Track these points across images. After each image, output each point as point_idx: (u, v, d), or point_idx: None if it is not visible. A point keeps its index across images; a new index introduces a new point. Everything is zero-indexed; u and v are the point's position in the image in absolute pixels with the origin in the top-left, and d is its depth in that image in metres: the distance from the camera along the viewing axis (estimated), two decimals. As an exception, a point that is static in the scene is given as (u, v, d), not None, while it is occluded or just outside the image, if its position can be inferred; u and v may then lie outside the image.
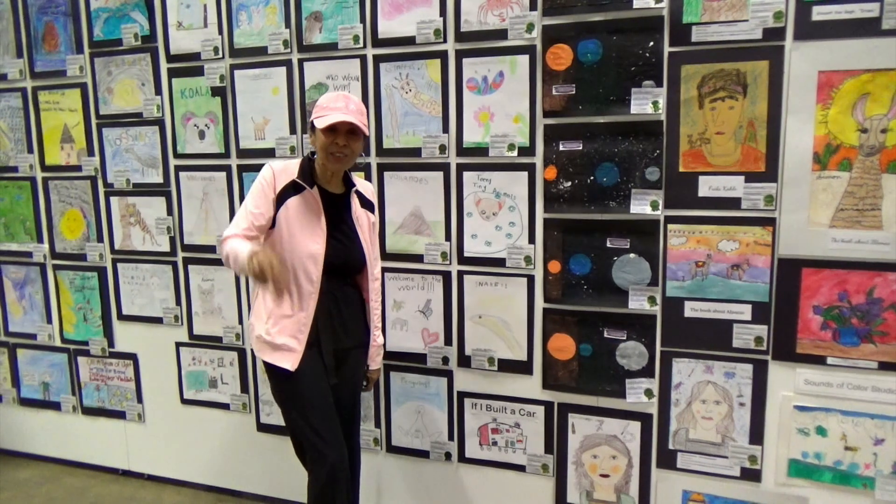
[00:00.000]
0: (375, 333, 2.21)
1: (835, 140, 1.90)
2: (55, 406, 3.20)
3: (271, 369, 2.02)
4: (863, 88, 1.86)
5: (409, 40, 2.32)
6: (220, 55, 2.59)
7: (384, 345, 2.33)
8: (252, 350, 2.48)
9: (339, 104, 1.93)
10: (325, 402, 2.01)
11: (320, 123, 1.91)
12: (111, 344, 3.04)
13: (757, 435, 2.10)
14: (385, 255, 2.47)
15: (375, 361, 2.26)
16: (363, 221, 2.10)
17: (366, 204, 2.13)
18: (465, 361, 2.43)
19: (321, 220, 1.98)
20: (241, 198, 2.65)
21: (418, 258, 2.42)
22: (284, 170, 2.00)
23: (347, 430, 2.15)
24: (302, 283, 1.97)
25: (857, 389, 1.97)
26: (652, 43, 2.04)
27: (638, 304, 2.16)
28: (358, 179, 2.16)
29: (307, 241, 1.96)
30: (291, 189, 1.97)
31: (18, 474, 3.19)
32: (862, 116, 1.87)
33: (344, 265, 2.05)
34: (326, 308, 2.01)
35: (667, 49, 2.03)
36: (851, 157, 1.89)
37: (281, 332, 1.98)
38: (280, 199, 1.97)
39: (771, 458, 2.09)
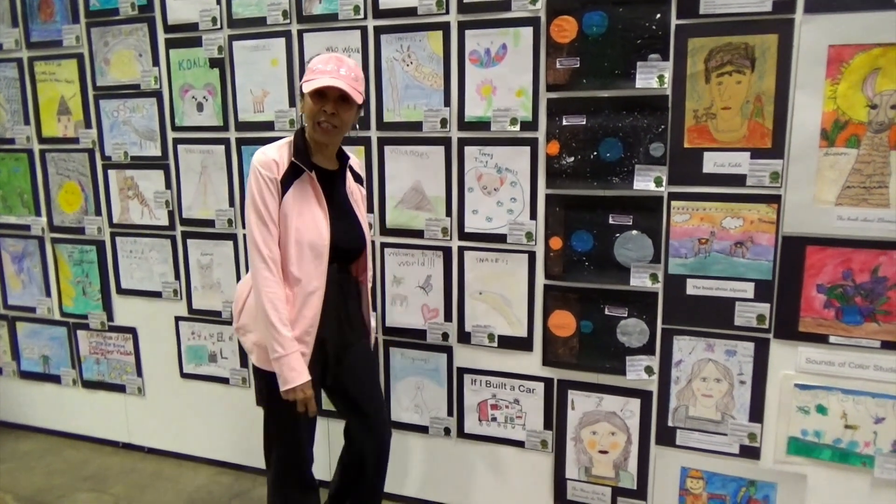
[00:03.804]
0: (371, 317, 2.10)
1: (843, 116, 1.87)
2: (55, 379, 3.21)
3: (271, 375, 1.82)
4: (874, 63, 1.82)
5: (411, 11, 2.27)
6: (219, 25, 2.54)
7: (374, 327, 2.23)
8: (245, 351, 2.12)
9: (329, 66, 1.76)
10: (313, 416, 1.91)
11: (307, 87, 1.75)
12: (110, 318, 3.03)
13: (757, 413, 2.09)
14: (385, 231, 2.45)
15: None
16: (357, 197, 1.99)
17: (357, 178, 2.02)
18: (464, 338, 2.42)
19: (322, 206, 1.84)
20: (241, 172, 2.63)
21: (419, 233, 2.40)
22: (279, 153, 1.81)
23: (375, 410, 2.07)
24: (308, 279, 1.81)
25: (859, 368, 1.96)
26: (659, 15, 2.00)
27: (640, 281, 2.14)
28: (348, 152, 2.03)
29: (310, 231, 1.81)
30: (291, 174, 1.80)
31: (19, 446, 3.21)
32: (872, 92, 1.83)
33: (349, 250, 1.93)
34: (333, 302, 1.88)
35: (674, 21, 1.99)
36: (860, 134, 1.86)
37: None
38: (283, 186, 1.79)
39: (770, 435, 2.09)
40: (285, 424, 1.92)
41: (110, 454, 3.12)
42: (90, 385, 3.14)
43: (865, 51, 1.82)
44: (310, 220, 1.82)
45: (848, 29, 1.82)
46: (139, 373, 3.03)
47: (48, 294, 3.14)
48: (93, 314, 3.05)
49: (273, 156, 1.80)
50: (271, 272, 1.78)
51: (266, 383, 1.88)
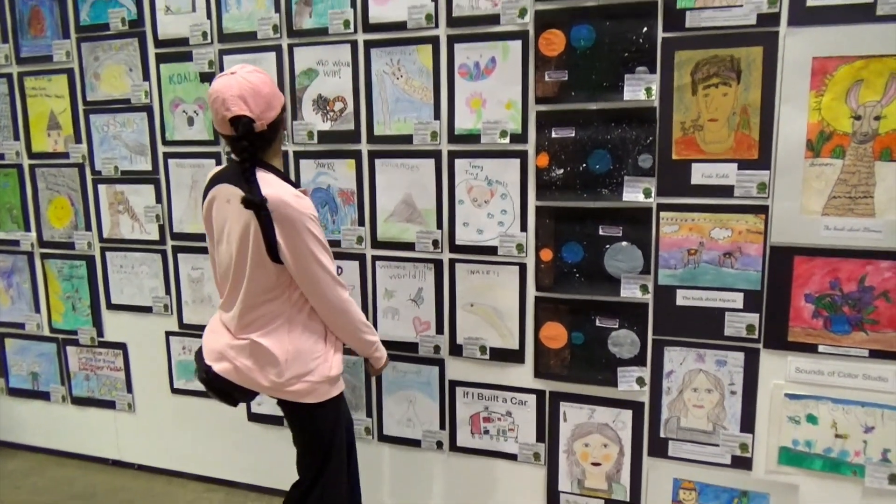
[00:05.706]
0: None
1: (828, 127, 1.89)
2: (44, 396, 3.18)
3: (331, 402, 1.89)
4: (857, 75, 1.84)
5: (401, 25, 2.29)
6: (209, 40, 2.56)
7: None
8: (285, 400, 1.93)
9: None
10: None
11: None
12: (100, 333, 3.01)
13: (748, 423, 2.10)
14: (376, 244, 2.45)
15: None
16: None
17: None
18: (456, 350, 2.41)
19: None
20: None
21: (409, 246, 2.40)
22: (297, 190, 1.81)
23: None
24: None
25: (848, 377, 1.97)
26: (646, 28, 2.02)
27: (630, 292, 2.15)
28: None
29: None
30: None
31: (6, 464, 3.17)
32: (855, 103, 1.86)
33: None
34: None
35: (660, 35, 2.01)
36: (844, 145, 1.88)
37: (336, 351, 1.92)
38: None
39: (762, 445, 2.09)
40: (344, 452, 2.01)
41: (99, 471, 3.09)
42: (80, 402, 3.12)
43: (849, 63, 1.85)
44: None
45: (831, 41, 1.85)
46: (129, 389, 3.01)
47: (37, 310, 3.11)
48: (82, 330, 3.02)
49: (304, 196, 1.79)
50: (349, 294, 1.89)
51: (334, 410, 1.93)
